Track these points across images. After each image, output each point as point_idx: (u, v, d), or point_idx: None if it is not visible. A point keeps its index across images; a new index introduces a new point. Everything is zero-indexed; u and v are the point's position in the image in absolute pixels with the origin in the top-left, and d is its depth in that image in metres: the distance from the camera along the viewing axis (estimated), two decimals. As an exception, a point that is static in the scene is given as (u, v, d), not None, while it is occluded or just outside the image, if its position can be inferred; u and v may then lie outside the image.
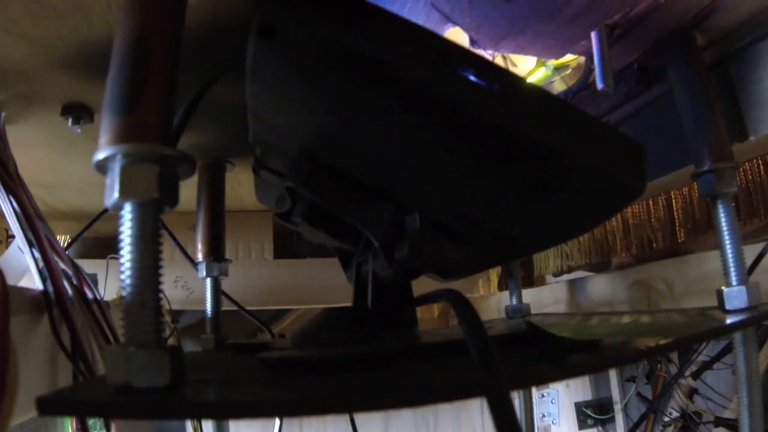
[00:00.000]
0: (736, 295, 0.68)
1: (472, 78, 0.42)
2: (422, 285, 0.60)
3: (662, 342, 0.52)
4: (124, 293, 0.38)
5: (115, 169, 0.39)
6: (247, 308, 1.12)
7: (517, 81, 0.46)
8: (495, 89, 0.42)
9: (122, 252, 0.39)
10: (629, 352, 0.53)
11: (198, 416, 0.36)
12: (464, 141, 0.47)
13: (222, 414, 0.38)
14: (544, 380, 0.61)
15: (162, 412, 0.36)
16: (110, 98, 0.40)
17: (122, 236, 0.39)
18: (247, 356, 0.67)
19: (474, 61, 0.43)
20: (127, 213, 0.39)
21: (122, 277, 0.38)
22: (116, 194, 0.38)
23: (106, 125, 0.40)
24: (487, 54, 0.72)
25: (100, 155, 0.39)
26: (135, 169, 0.39)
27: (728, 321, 0.65)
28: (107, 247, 1.51)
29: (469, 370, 0.38)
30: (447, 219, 0.57)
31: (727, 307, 0.68)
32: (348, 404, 0.37)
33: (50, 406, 0.37)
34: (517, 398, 1.24)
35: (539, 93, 0.47)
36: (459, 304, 0.42)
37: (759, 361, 0.77)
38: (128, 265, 0.38)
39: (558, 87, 0.84)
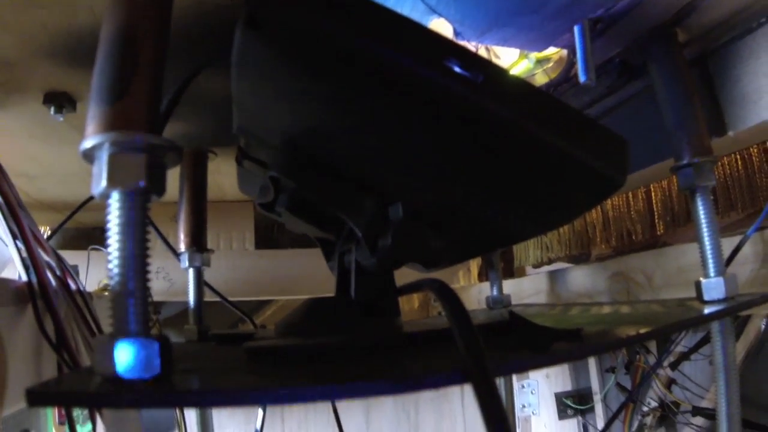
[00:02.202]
0: (714, 287, 0.69)
1: (457, 69, 0.42)
2: (403, 275, 0.61)
3: (642, 330, 0.53)
4: (111, 282, 0.38)
5: (103, 157, 0.39)
6: (230, 299, 1.12)
7: (501, 73, 0.47)
8: (479, 80, 0.43)
9: (109, 241, 0.39)
10: (610, 340, 0.54)
11: (187, 405, 0.37)
12: (448, 132, 0.47)
13: (211, 402, 0.38)
14: (527, 368, 0.62)
15: (151, 401, 0.37)
16: (98, 87, 0.40)
17: (109, 225, 0.39)
18: (231, 346, 0.67)
19: (459, 53, 0.43)
20: (115, 202, 0.39)
21: (110, 266, 0.38)
22: (104, 182, 0.38)
23: (93, 114, 0.40)
24: (470, 46, 0.73)
25: (88, 143, 0.39)
26: (122, 157, 0.39)
27: (706, 311, 0.66)
28: (88, 238, 1.51)
29: (454, 359, 0.39)
30: (430, 209, 0.58)
31: (705, 298, 0.69)
32: (334, 392, 0.37)
33: (39, 397, 0.37)
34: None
35: (523, 85, 0.48)
36: (443, 293, 0.43)
37: (736, 352, 0.78)
38: (116, 254, 0.38)
39: (540, 79, 0.85)
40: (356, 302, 0.60)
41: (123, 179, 0.38)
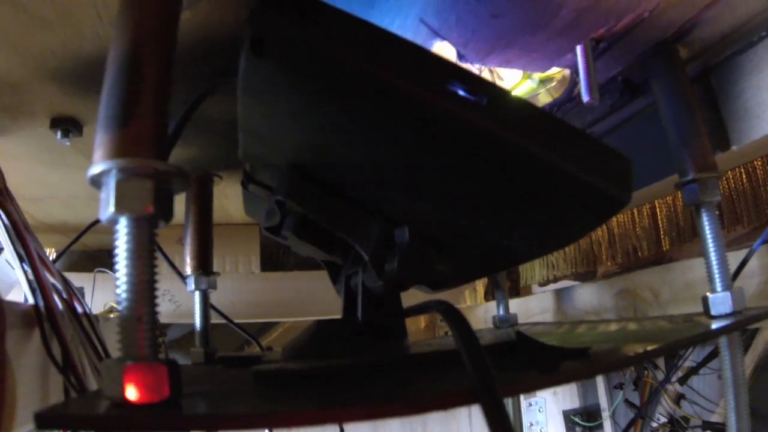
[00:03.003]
0: (721, 301, 0.69)
1: (461, 93, 0.43)
2: (409, 297, 0.61)
3: (650, 348, 0.53)
4: (120, 308, 0.39)
5: (110, 183, 0.39)
6: (236, 321, 1.12)
7: (504, 95, 0.47)
8: (484, 103, 0.43)
9: (117, 266, 0.39)
10: (618, 358, 0.54)
11: (195, 428, 0.37)
12: (453, 155, 0.47)
13: (219, 426, 0.38)
14: (535, 387, 0.62)
15: (160, 425, 0.37)
16: (104, 112, 0.40)
17: (117, 251, 0.39)
18: (239, 369, 0.67)
19: (463, 76, 0.43)
20: (123, 227, 0.39)
21: (118, 291, 0.39)
22: (112, 209, 0.38)
23: (100, 140, 0.40)
24: (474, 68, 0.73)
25: (95, 170, 0.39)
26: (130, 183, 0.39)
27: (714, 326, 0.66)
28: (93, 260, 1.51)
29: (462, 379, 0.39)
30: (436, 232, 0.58)
31: (713, 312, 0.69)
32: (344, 415, 0.37)
33: (48, 420, 0.37)
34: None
35: (526, 107, 0.48)
36: (450, 314, 0.43)
37: (744, 365, 0.78)
38: (124, 279, 0.38)
39: (543, 99, 0.85)
40: (363, 324, 0.61)
41: (131, 205, 0.39)
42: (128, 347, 0.38)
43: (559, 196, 0.49)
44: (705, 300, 0.70)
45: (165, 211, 0.40)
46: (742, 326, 0.71)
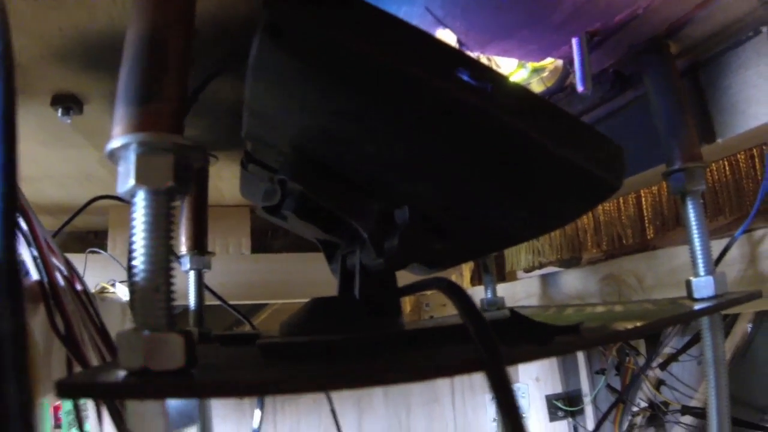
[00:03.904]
0: (704, 285, 0.72)
1: (467, 79, 0.44)
2: (401, 278, 0.63)
3: (638, 324, 0.55)
4: (136, 279, 0.40)
5: (130, 157, 0.40)
6: (228, 302, 1.13)
7: (505, 81, 0.49)
8: (488, 89, 0.45)
9: (134, 239, 0.40)
10: (609, 333, 0.56)
11: (212, 395, 0.38)
12: (457, 139, 0.49)
13: (236, 392, 0.40)
14: (533, 358, 0.64)
15: (178, 392, 0.38)
16: (126, 89, 0.41)
17: (134, 223, 0.40)
18: (239, 346, 0.69)
19: (469, 63, 0.45)
20: (141, 200, 0.40)
21: (134, 263, 0.40)
22: (132, 181, 0.40)
23: (121, 115, 0.41)
24: (473, 55, 0.75)
25: (116, 143, 0.40)
26: (151, 157, 0.40)
27: (697, 308, 0.69)
28: (81, 242, 1.52)
29: (461, 352, 0.40)
30: (435, 213, 0.59)
31: (696, 296, 0.72)
32: (356, 380, 0.39)
33: (70, 388, 0.39)
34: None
35: (527, 93, 0.50)
36: (452, 290, 0.44)
37: (727, 349, 0.81)
38: (141, 251, 0.40)
39: (536, 88, 0.87)
40: (360, 301, 0.62)
41: (151, 179, 0.40)
42: (145, 317, 0.39)
43: (554, 180, 0.51)
44: (688, 284, 0.73)
45: (184, 185, 0.41)
46: (724, 308, 0.73)
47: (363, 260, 0.62)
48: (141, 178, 0.40)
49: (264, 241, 1.60)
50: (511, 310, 0.61)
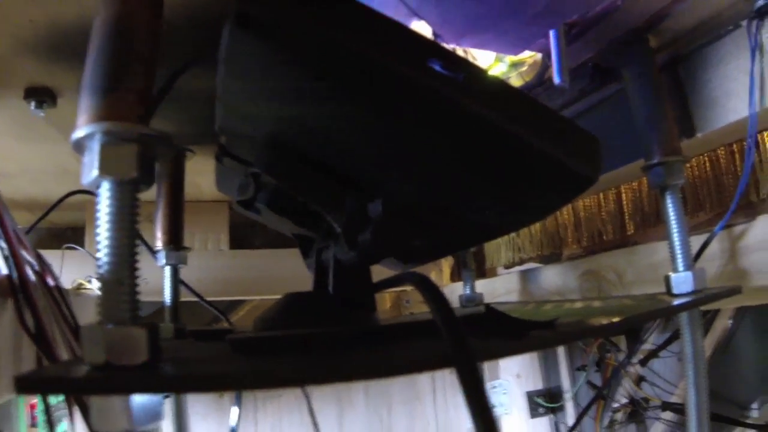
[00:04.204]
0: (683, 280, 0.72)
1: (439, 69, 0.44)
2: (377, 275, 0.62)
3: (615, 320, 0.55)
4: (100, 271, 0.39)
5: (95, 147, 0.39)
6: (204, 298, 1.12)
7: (480, 72, 0.48)
8: (460, 79, 0.44)
9: (98, 230, 0.39)
10: (585, 328, 0.56)
11: (175, 390, 0.37)
12: (429, 130, 0.48)
13: (199, 387, 0.39)
14: (506, 353, 0.64)
15: (140, 387, 0.37)
16: (91, 78, 0.41)
17: (99, 214, 0.39)
18: (212, 341, 0.68)
19: (441, 53, 0.44)
20: (105, 191, 0.39)
21: (99, 255, 0.39)
22: (95, 172, 0.39)
23: (86, 104, 0.40)
24: (449, 47, 0.74)
25: (80, 133, 0.39)
26: (115, 147, 0.40)
27: (676, 303, 0.69)
28: (58, 238, 1.50)
29: (433, 348, 0.40)
30: (410, 206, 0.59)
31: (675, 291, 0.72)
32: (325, 375, 0.38)
33: (28, 383, 0.38)
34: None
35: (501, 84, 0.50)
36: (424, 284, 0.44)
37: (708, 345, 0.80)
38: (105, 243, 0.39)
39: (514, 82, 0.86)
40: (334, 297, 0.61)
41: (115, 169, 0.39)
42: (108, 310, 0.38)
43: (530, 173, 0.50)
44: (667, 279, 0.73)
45: (148, 176, 0.41)
46: (703, 304, 0.73)
47: (337, 255, 0.61)
48: (105, 168, 0.39)
49: (244, 236, 1.59)
50: (487, 305, 0.60)
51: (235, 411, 1.11)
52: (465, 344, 0.36)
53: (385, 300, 1.82)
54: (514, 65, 0.85)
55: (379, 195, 0.58)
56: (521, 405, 1.70)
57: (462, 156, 0.51)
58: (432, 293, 0.42)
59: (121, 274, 0.39)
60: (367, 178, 0.59)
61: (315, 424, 1.09)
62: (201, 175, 1.22)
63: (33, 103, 0.80)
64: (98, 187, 0.40)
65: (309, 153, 0.59)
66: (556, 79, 0.70)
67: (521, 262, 1.34)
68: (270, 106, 0.54)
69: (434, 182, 0.56)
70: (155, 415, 0.41)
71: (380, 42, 0.42)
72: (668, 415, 1.38)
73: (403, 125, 0.49)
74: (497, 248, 1.41)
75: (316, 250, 0.68)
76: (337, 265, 0.62)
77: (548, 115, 0.49)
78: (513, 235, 1.35)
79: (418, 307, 1.74)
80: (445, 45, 0.73)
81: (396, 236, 0.57)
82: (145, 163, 0.41)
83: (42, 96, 0.80)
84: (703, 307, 1.17)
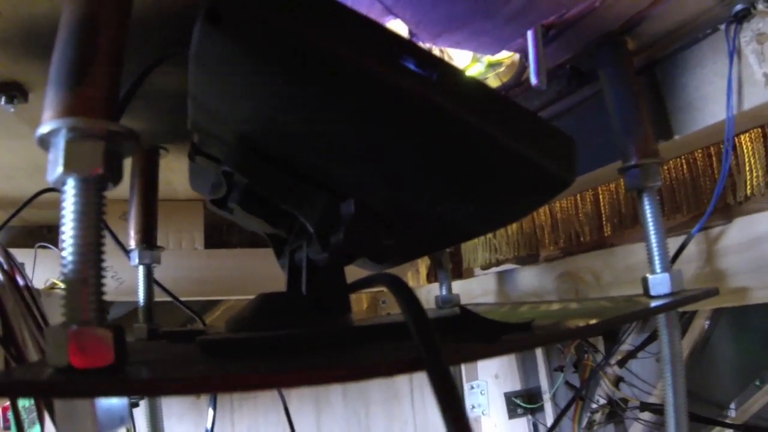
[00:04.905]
0: (660, 282, 0.72)
1: (412, 67, 0.43)
2: (352, 275, 0.61)
3: (592, 322, 0.54)
4: (65, 270, 0.38)
5: (60, 143, 0.39)
6: (178, 298, 1.11)
7: (454, 72, 0.47)
8: (433, 78, 0.44)
9: (63, 228, 0.38)
10: (560, 331, 0.55)
11: (139, 393, 0.36)
12: (402, 128, 0.48)
13: (163, 390, 0.38)
14: (479, 356, 0.63)
15: (104, 390, 0.36)
16: (57, 72, 0.40)
17: (64, 212, 0.39)
18: (184, 343, 0.67)
19: (414, 51, 0.43)
20: (70, 188, 0.39)
21: (63, 254, 0.38)
22: (60, 169, 0.38)
23: (51, 99, 0.40)
24: (425, 47, 0.73)
25: (45, 129, 0.39)
26: (80, 144, 0.39)
27: (653, 305, 0.68)
28: (32, 236, 1.48)
29: (405, 351, 0.39)
30: (383, 206, 0.58)
31: (652, 293, 0.72)
32: (289, 379, 0.37)
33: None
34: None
35: (475, 84, 0.49)
36: (395, 285, 0.43)
37: (685, 346, 0.80)
38: (70, 241, 0.38)
39: (492, 83, 0.86)
40: (307, 298, 0.61)
41: (80, 166, 0.39)
42: (72, 311, 0.38)
43: (504, 174, 0.50)
44: (644, 281, 0.73)
45: (114, 173, 0.40)
46: (680, 305, 0.73)
47: (310, 255, 0.61)
48: (70, 165, 0.39)
49: (220, 236, 1.57)
50: (461, 307, 0.59)
51: (210, 414, 1.10)
52: (436, 347, 0.36)
53: (361, 301, 1.82)
54: (492, 66, 0.85)
55: (351, 195, 0.57)
56: (499, 406, 1.70)
57: (435, 155, 0.50)
58: (403, 294, 0.41)
59: (86, 274, 0.38)
60: (339, 178, 0.58)
61: (291, 426, 1.08)
62: (175, 173, 1.21)
63: (3, 99, 0.79)
64: (63, 184, 0.39)
65: (281, 152, 0.58)
66: (534, 80, 0.70)
67: (498, 263, 1.34)
68: (240, 103, 0.53)
69: (407, 182, 0.55)
70: (121, 419, 0.40)
71: (351, 39, 0.42)
72: (647, 415, 1.39)
73: (375, 124, 0.48)
74: (474, 249, 1.40)
75: (289, 251, 0.67)
76: (310, 265, 0.62)
77: (523, 116, 0.49)
78: (490, 236, 1.35)
79: (395, 308, 1.73)
80: (420, 44, 0.72)
81: (368, 236, 0.57)
82: (111, 160, 0.40)
83: (12, 91, 0.78)
84: (682, 309, 1.17)
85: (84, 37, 0.41)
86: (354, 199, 0.57)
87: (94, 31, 0.41)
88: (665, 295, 0.71)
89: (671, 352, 0.73)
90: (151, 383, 0.37)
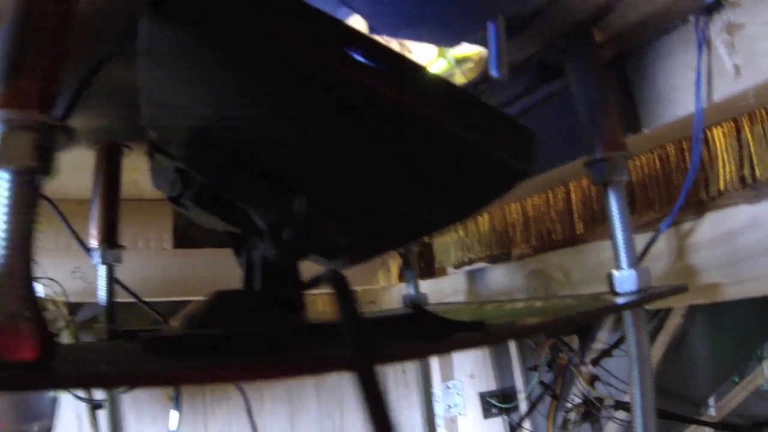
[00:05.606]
0: (626, 279, 0.71)
1: (359, 57, 0.42)
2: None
3: (545, 320, 0.53)
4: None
5: (-10, 135, 0.38)
6: (146, 299, 1.09)
7: (405, 63, 0.47)
8: (381, 69, 0.43)
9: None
10: (511, 330, 0.55)
11: (61, 387, 0.36)
12: (351, 120, 0.47)
13: (85, 384, 0.37)
14: (420, 355, 0.62)
15: (25, 385, 0.36)
16: (-6, 65, 0.39)
17: (-5, 205, 0.38)
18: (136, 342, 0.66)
19: (361, 41, 0.43)
20: (2, 182, 0.38)
21: (-7, 247, 0.37)
22: (-10, 161, 0.37)
23: (-13, 92, 0.39)
24: (383, 40, 0.72)
25: (-22, 121, 0.38)
26: (11, 135, 0.38)
27: (617, 302, 0.67)
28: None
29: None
30: (337, 201, 0.57)
31: (618, 290, 0.71)
32: (211, 375, 0.36)
33: None
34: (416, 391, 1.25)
35: (427, 74, 0.48)
36: (336, 281, 0.42)
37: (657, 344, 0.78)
38: (1, 235, 0.37)
39: (459, 80, 0.85)
40: (262, 295, 0.60)
41: (10, 158, 0.38)
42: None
43: (460, 166, 0.49)
44: (610, 277, 0.72)
45: (46, 166, 0.40)
46: (646, 303, 0.72)
47: (264, 252, 0.60)
48: (0, 157, 0.38)
49: (189, 235, 1.55)
50: (415, 305, 0.58)
51: (174, 416, 1.09)
52: (367, 346, 0.35)
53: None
54: (459, 62, 0.83)
55: (304, 189, 0.56)
56: (475, 406, 1.69)
57: (388, 148, 0.49)
58: (341, 293, 0.40)
59: (14, 267, 0.37)
60: (293, 173, 0.57)
61: (253, 428, 1.07)
62: (140, 172, 1.19)
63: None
64: (-5, 177, 0.38)
65: (233, 147, 0.57)
66: (493, 72, 0.68)
67: (471, 262, 1.33)
68: (188, 96, 0.53)
69: (362, 176, 0.54)
70: (44, 414, 0.39)
71: (297, 28, 0.41)
72: (622, 414, 1.38)
73: (323, 115, 0.47)
74: (447, 248, 1.39)
75: (246, 248, 0.66)
76: (265, 263, 0.61)
77: (479, 107, 0.48)
78: (462, 234, 1.34)
79: (366, 308, 1.72)
80: (377, 37, 0.71)
81: (320, 232, 0.56)
82: (43, 153, 0.39)
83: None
84: (655, 306, 1.16)
85: (22, 30, 0.40)
86: (306, 195, 0.56)
87: (31, 24, 0.40)
88: (631, 293, 0.70)
89: (638, 352, 0.71)
90: (71, 379, 0.36)
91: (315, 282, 0.54)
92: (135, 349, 0.51)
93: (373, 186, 0.55)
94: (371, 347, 0.35)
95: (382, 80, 0.43)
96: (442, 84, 0.47)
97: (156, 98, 0.56)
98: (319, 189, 0.56)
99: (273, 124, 0.51)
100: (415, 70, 0.47)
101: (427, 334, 0.48)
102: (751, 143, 0.80)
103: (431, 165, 0.49)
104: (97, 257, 0.95)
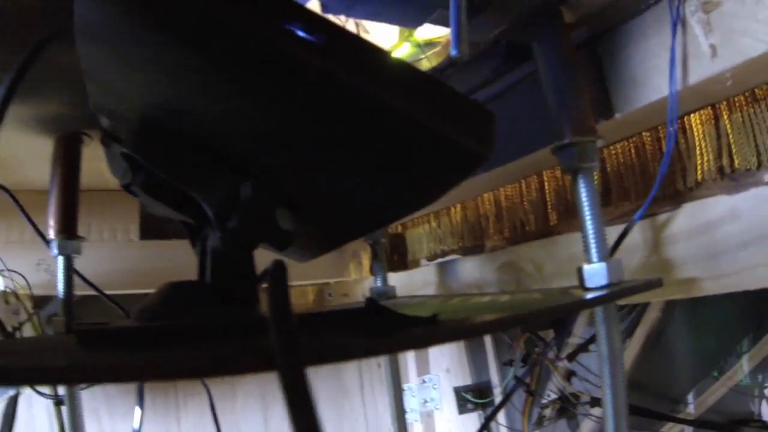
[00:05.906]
0: (596, 273, 0.68)
1: (299, 32, 0.39)
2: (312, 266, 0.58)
3: (502, 317, 0.51)
4: None
5: None
6: (113, 292, 1.07)
7: (349, 38, 0.44)
8: (322, 44, 0.40)
9: None
10: (465, 326, 0.52)
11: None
12: (295, 100, 0.44)
13: (11, 381, 0.36)
14: (360, 354, 0.60)
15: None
16: None
17: None
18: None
19: (300, 15, 0.40)
20: None
21: None
22: None
23: None
24: (338, 20, 0.69)
25: None
26: None
27: (586, 297, 0.65)
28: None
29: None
30: (287, 187, 0.55)
31: (587, 284, 0.68)
32: (131, 371, 0.34)
33: None
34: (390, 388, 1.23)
35: (374, 50, 0.45)
36: (273, 273, 0.40)
37: (638, 338, 0.76)
38: None
39: (425, 65, 0.82)
40: (212, 287, 0.57)
41: None
42: None
43: (413, 148, 0.46)
44: (580, 271, 0.69)
45: None
46: (617, 298, 0.69)
47: (213, 242, 0.57)
48: None
49: (158, 227, 1.52)
50: (369, 299, 0.56)
51: (137, 413, 1.07)
52: (290, 345, 0.32)
53: (307, 293, 1.79)
54: (426, 46, 0.81)
55: (254, 177, 0.54)
56: (450, 401, 1.67)
57: (336, 129, 0.47)
58: (273, 284, 0.37)
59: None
60: (238, 157, 0.55)
61: (216, 425, 1.05)
62: (103, 161, 1.16)
63: None
64: None
65: (178, 131, 0.54)
66: (453, 51, 0.65)
67: (444, 254, 1.31)
68: (131, 79, 0.50)
69: (312, 161, 0.52)
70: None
71: (231, 4, 0.38)
72: (598, 411, 1.37)
73: (265, 95, 0.45)
74: (419, 240, 1.38)
75: (201, 238, 0.63)
76: (217, 254, 0.58)
77: (432, 87, 0.45)
78: (434, 226, 1.32)
79: (340, 300, 1.70)
80: (333, 17, 0.68)
81: (267, 220, 0.53)
82: None
83: None
84: (630, 301, 1.14)
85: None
86: (254, 181, 0.53)
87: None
88: (602, 287, 0.67)
89: (609, 349, 0.68)
90: None
91: (263, 275, 0.52)
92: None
93: (324, 170, 0.53)
94: (296, 346, 0.32)
95: (319, 54, 0.40)
96: (392, 62, 0.44)
97: (99, 81, 0.53)
98: (269, 175, 0.54)
99: (213, 104, 0.48)
100: (363, 46, 0.44)
101: (375, 330, 0.46)
102: (729, 132, 0.78)
103: (380, 146, 0.47)
104: (54, 248, 0.92)
